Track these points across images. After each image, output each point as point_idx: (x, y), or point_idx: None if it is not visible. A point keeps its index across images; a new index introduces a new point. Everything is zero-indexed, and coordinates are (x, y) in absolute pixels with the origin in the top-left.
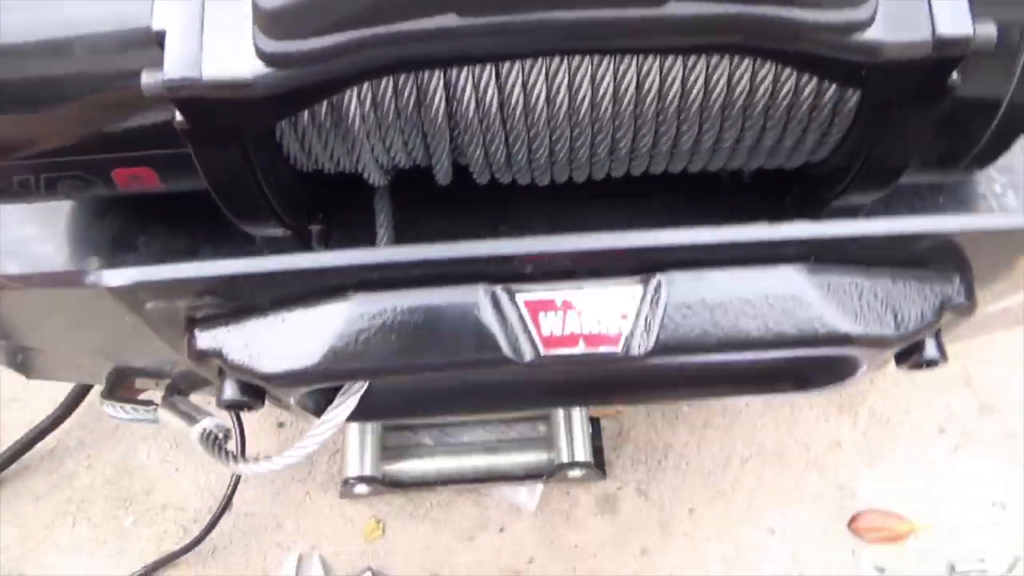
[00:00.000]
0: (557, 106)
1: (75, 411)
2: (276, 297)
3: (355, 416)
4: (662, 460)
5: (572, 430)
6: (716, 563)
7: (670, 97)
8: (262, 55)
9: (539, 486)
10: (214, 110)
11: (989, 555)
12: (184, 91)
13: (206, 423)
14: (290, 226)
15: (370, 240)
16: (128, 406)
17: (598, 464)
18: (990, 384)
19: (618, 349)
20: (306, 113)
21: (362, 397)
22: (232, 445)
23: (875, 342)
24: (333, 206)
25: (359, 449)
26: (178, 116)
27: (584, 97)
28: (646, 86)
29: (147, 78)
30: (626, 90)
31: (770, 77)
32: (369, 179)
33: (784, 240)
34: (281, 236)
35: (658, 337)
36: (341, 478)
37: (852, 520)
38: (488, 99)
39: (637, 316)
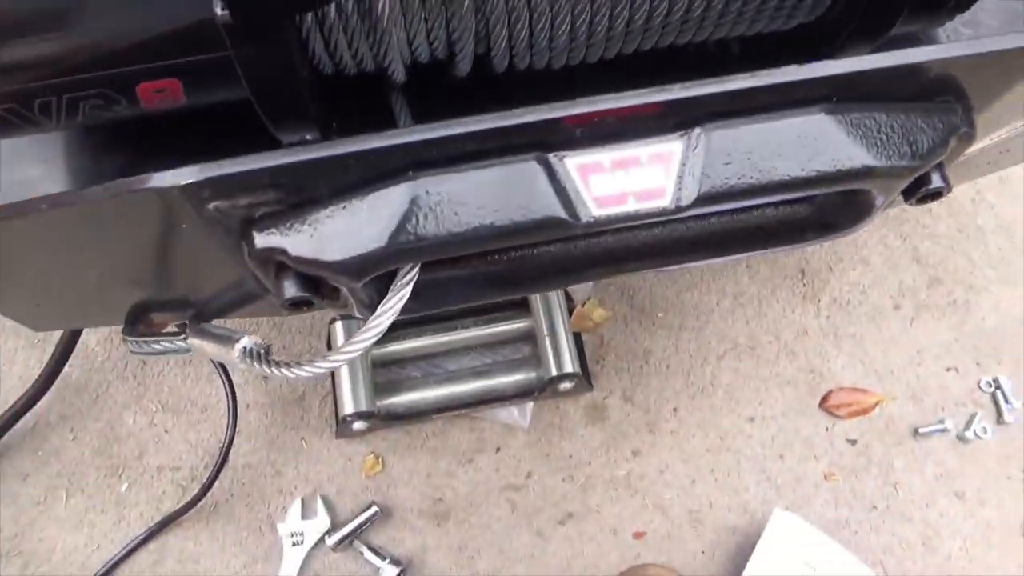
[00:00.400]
0: None
1: (51, 386)
2: (336, 187)
3: (409, 307)
4: (643, 366)
5: (558, 345)
6: (703, 454)
7: None
8: None
9: (530, 404)
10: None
11: (947, 415)
12: None
13: (244, 341)
14: (322, 130)
15: None
16: (159, 340)
17: (584, 374)
18: (936, 258)
19: (666, 202)
20: (333, 8)
21: (414, 290)
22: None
23: (896, 172)
24: (346, 111)
25: (351, 387)
26: (219, 10)
27: None
28: None
29: None
30: None
31: None
32: (392, 75)
33: (815, 79)
34: (312, 141)
35: (701, 186)
36: (336, 419)
37: (823, 400)
38: None
39: (681, 169)
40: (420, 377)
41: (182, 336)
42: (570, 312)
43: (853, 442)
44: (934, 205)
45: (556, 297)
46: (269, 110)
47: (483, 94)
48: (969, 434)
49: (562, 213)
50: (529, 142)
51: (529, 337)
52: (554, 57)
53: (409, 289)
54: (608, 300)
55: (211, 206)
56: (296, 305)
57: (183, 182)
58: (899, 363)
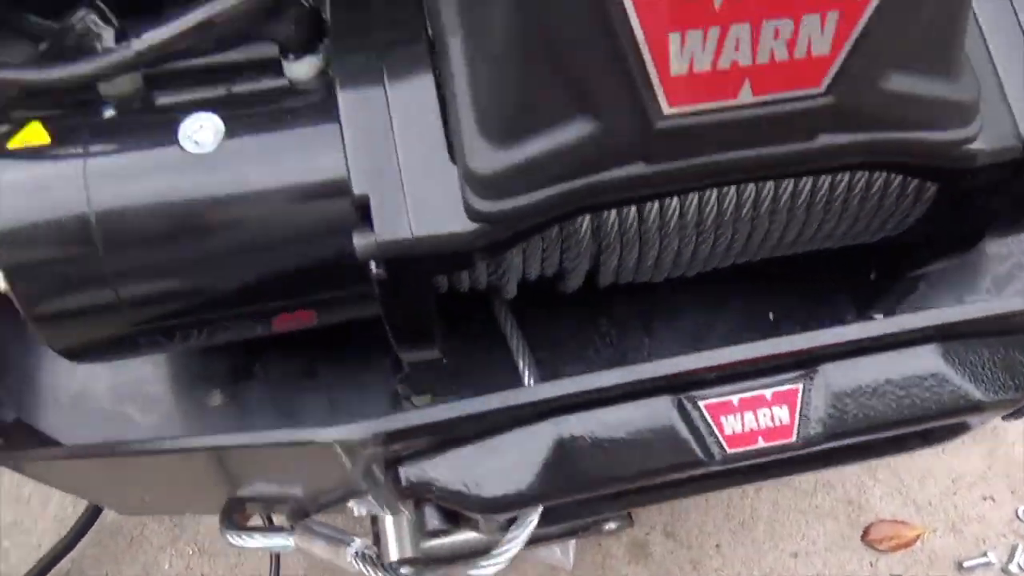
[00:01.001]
0: (689, 218)
1: (88, 531)
2: (481, 428)
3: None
4: (682, 500)
5: None
6: None
7: (791, 202)
8: (475, 214)
9: (573, 543)
10: (418, 263)
11: (989, 547)
12: (395, 249)
13: (357, 544)
14: (442, 348)
15: (499, 344)
16: (260, 534)
17: (627, 512)
18: None
19: (792, 439)
20: None
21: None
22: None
23: (1002, 405)
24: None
25: (396, 532)
26: (376, 269)
27: (712, 210)
28: (776, 196)
29: (359, 240)
30: (752, 201)
31: (868, 179)
32: (505, 291)
33: (925, 326)
34: (432, 359)
35: (826, 424)
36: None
37: (865, 533)
38: (629, 219)
39: (804, 406)
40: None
41: (286, 533)
42: None
43: None
44: None
45: None
46: (399, 338)
47: (579, 300)
48: (1013, 567)
49: (698, 453)
50: (664, 385)
51: None
52: (654, 275)
53: (537, 516)
54: None
55: (367, 452)
56: (434, 533)
57: (353, 436)
58: (936, 493)
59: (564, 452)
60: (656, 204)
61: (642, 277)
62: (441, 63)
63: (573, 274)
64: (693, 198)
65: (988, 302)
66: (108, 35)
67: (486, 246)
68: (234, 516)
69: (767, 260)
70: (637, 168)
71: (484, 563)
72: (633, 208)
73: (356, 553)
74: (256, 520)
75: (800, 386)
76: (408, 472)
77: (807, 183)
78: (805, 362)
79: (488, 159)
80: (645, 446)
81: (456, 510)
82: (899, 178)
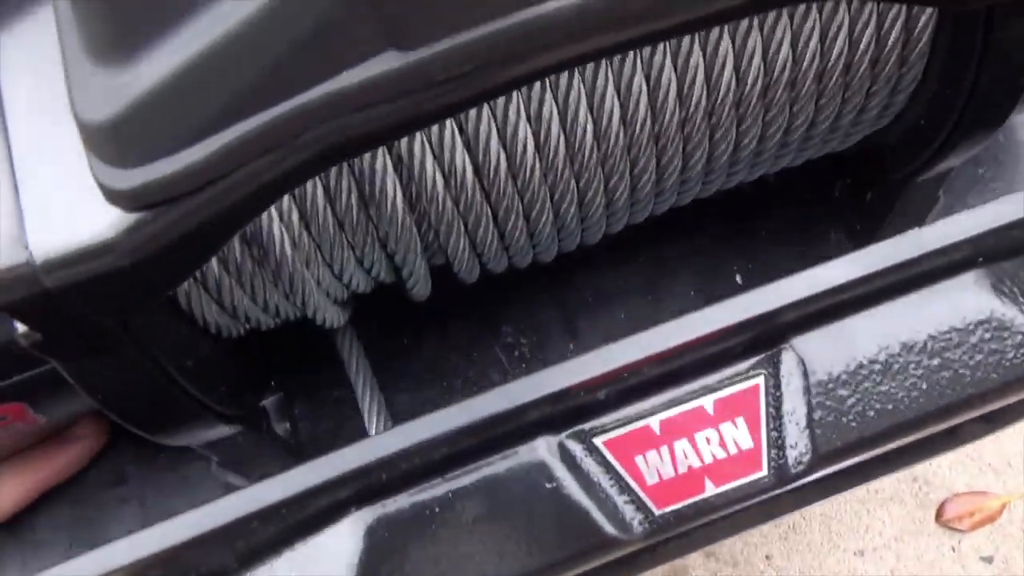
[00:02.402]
0: (551, 147)
1: None
2: (247, 549)
3: None
4: None
5: None
6: None
7: (706, 90)
8: (116, 196)
9: None
10: (71, 304)
11: None
12: (13, 289)
13: None
14: (235, 417)
15: (347, 398)
16: None
17: None
18: None
19: (762, 471)
20: (214, 261)
21: None
22: None
23: None
24: (284, 364)
25: None
26: (19, 327)
27: (585, 124)
28: (691, 77)
29: None
30: (664, 92)
31: (815, 23)
32: (323, 322)
33: (951, 245)
34: (228, 435)
35: (814, 437)
36: None
37: (939, 513)
38: (459, 165)
39: (774, 416)
40: None
41: None
42: None
43: (989, 559)
44: None
45: None
46: (141, 425)
47: (447, 302)
48: None
49: (604, 525)
50: (530, 422)
51: None
52: (541, 252)
53: None
54: None
55: None
56: None
57: None
58: (1014, 451)
59: (377, 559)
60: (455, 132)
61: (522, 257)
62: None
63: (407, 270)
64: (518, 103)
65: None
66: None
67: (162, 250)
68: None
69: (723, 201)
70: (388, 59)
71: None
72: (454, 133)
73: None
74: None
75: (760, 380)
76: None
77: (711, 41)
78: (760, 342)
79: (107, 91)
80: (508, 530)
81: None
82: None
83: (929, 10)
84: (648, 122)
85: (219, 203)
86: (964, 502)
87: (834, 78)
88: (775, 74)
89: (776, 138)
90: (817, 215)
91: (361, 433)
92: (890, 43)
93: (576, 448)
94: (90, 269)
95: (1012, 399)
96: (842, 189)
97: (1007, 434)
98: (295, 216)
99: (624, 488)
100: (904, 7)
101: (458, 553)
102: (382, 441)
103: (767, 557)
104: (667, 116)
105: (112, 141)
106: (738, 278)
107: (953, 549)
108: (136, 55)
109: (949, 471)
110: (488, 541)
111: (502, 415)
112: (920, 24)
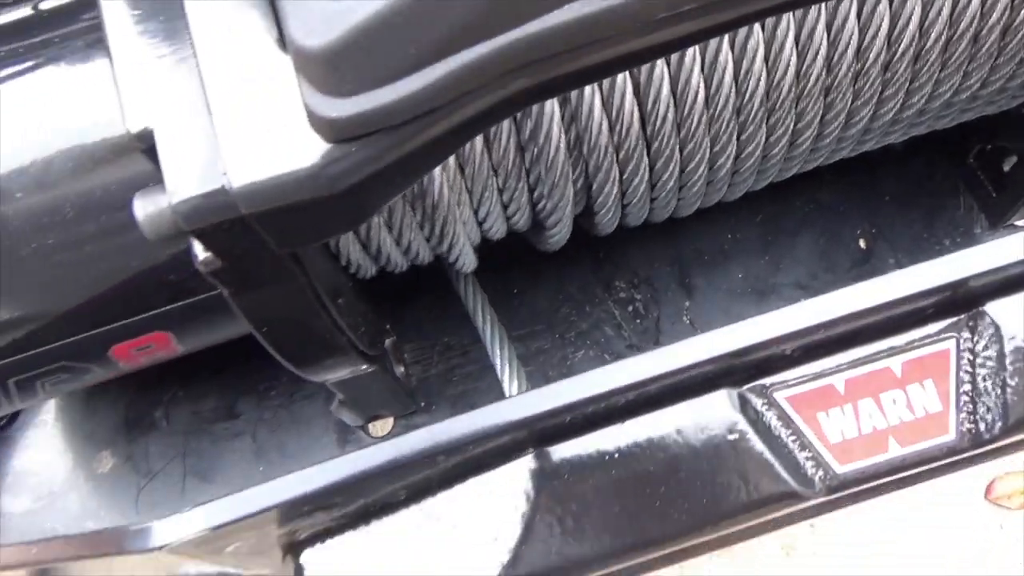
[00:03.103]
0: (724, 93)
1: None
2: (419, 483)
3: None
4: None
5: None
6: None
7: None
8: (326, 125)
9: None
10: (260, 232)
11: None
12: (206, 215)
13: None
14: (370, 356)
15: (456, 344)
16: None
17: None
18: None
19: (950, 435)
20: None
21: None
22: None
23: None
24: (394, 311)
25: None
26: (200, 253)
27: (760, 74)
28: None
29: (142, 209)
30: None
31: None
32: (458, 263)
33: None
34: (359, 375)
35: (1006, 404)
36: None
37: (987, 491)
38: (627, 112)
39: (966, 380)
40: None
41: None
42: None
43: None
44: None
45: None
46: (292, 356)
47: (575, 258)
48: None
49: (786, 478)
50: (715, 374)
51: None
52: (683, 208)
53: None
54: None
55: (230, 549)
56: None
57: (184, 538)
58: None
59: (556, 501)
60: (660, 71)
61: (663, 210)
62: None
63: (554, 217)
64: (722, 51)
65: None
66: None
67: (369, 182)
68: None
69: (844, 164)
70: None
71: None
72: (625, 80)
73: None
74: None
75: (951, 345)
76: (312, 561)
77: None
78: (957, 302)
79: (326, 16)
80: (686, 479)
81: None
82: None
83: None
84: (823, 73)
85: (421, 137)
86: (1014, 481)
87: (990, 41)
88: (950, 31)
89: (944, 97)
90: (945, 180)
91: (471, 378)
92: None
93: (757, 402)
94: (288, 198)
95: None
96: (978, 155)
97: None
98: (452, 159)
99: (805, 444)
100: None
101: (636, 497)
102: (564, 387)
103: (811, 524)
104: (843, 69)
105: (329, 68)
106: (861, 243)
107: (1001, 527)
108: None
109: (999, 454)
110: (665, 489)
111: (687, 367)
112: None
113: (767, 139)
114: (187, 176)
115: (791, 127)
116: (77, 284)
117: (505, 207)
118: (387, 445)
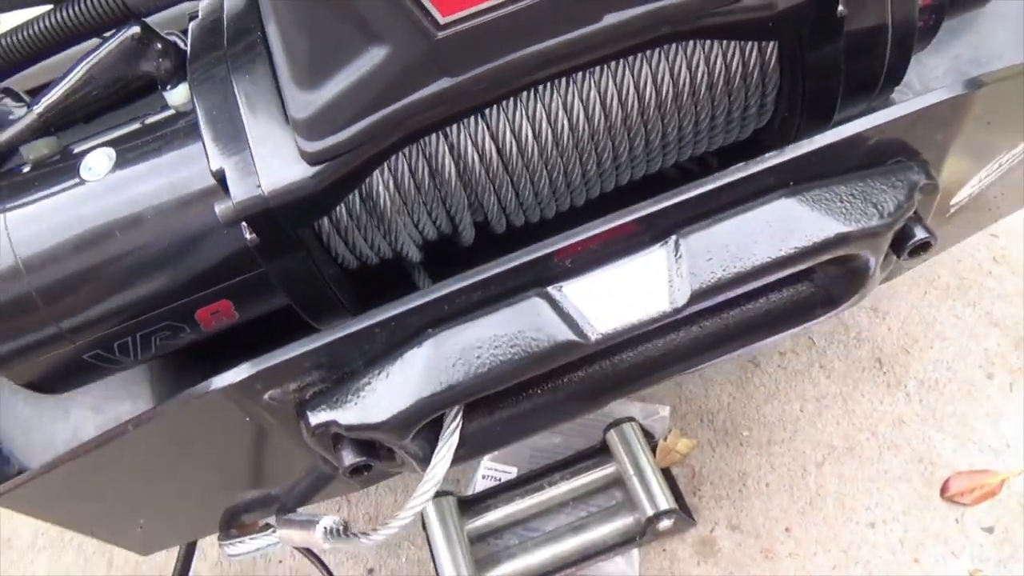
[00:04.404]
0: (544, 139)
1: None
2: (368, 357)
3: (460, 454)
4: (741, 489)
5: (647, 483)
6: (830, 572)
7: (638, 102)
8: (309, 157)
9: (635, 551)
10: (278, 216)
11: None
12: (251, 207)
13: (325, 521)
14: (355, 315)
15: None
16: (250, 537)
17: (683, 509)
18: (1014, 319)
19: (664, 306)
20: (344, 212)
21: (462, 437)
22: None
23: (867, 234)
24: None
25: (453, 566)
26: (248, 235)
27: (562, 125)
28: (608, 99)
29: (220, 208)
30: (593, 108)
31: (703, 57)
32: (407, 255)
33: (765, 169)
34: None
35: (692, 285)
36: None
37: (943, 489)
38: (487, 150)
39: (669, 274)
40: (519, 544)
41: (271, 530)
42: (653, 448)
43: (990, 530)
44: (992, 265)
45: (633, 435)
46: (305, 308)
47: (492, 252)
48: None
49: (572, 336)
50: (528, 281)
51: (619, 481)
52: (544, 209)
53: (456, 437)
54: (689, 428)
55: (267, 397)
56: (358, 471)
57: (237, 379)
58: (1012, 433)
59: (444, 361)
60: (484, 129)
61: (532, 213)
62: (267, 38)
63: (461, 222)
64: (521, 108)
65: (824, 134)
66: (22, 111)
67: (331, 186)
68: (231, 529)
69: (665, 177)
70: (442, 83)
71: (419, 491)
72: (478, 123)
73: (325, 528)
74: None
75: (660, 255)
76: (314, 414)
77: (638, 69)
78: (660, 233)
79: (304, 104)
80: (520, 340)
81: (367, 439)
82: (737, 53)
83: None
84: (602, 122)
85: (357, 159)
86: (966, 479)
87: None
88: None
89: (689, 129)
90: None
91: None
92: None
93: (555, 293)
94: (292, 195)
95: (810, 261)
96: None
97: (1005, 418)
98: (391, 183)
99: (581, 316)
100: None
101: (491, 352)
102: (439, 287)
103: (787, 529)
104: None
105: (306, 127)
106: None
107: (957, 521)
108: (319, 83)
109: (952, 453)
110: (507, 339)
111: (509, 270)
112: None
113: (581, 163)
114: (240, 189)
115: (592, 155)
116: (178, 267)
117: (430, 214)
118: (338, 327)
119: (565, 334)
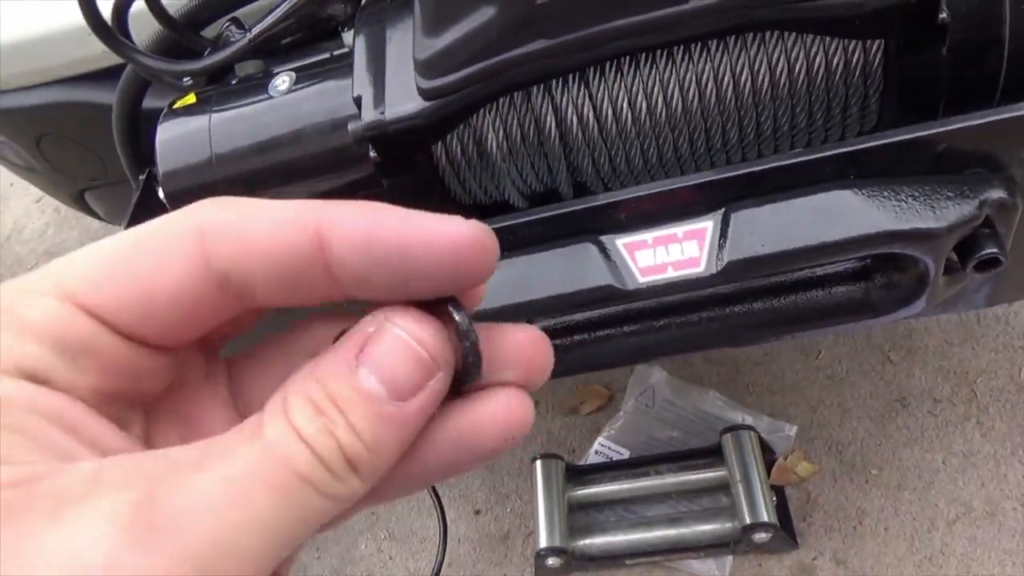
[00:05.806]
0: (639, 111)
1: None
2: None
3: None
4: (857, 526)
5: (752, 494)
6: None
7: (732, 88)
8: (423, 92)
9: (728, 558)
10: (395, 141)
11: None
12: (375, 129)
13: None
14: None
15: None
16: None
17: (785, 529)
18: None
19: (700, 270)
20: (458, 150)
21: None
22: None
23: (918, 235)
24: None
25: (548, 524)
26: (371, 152)
27: (657, 101)
28: (704, 81)
29: (352, 126)
30: (688, 89)
31: (802, 51)
32: (513, 202)
33: (822, 157)
34: None
35: (730, 255)
36: (534, 556)
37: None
38: (585, 114)
39: (712, 242)
40: (614, 521)
41: None
42: (771, 464)
43: None
44: None
45: (750, 445)
46: None
47: None
48: None
49: (612, 281)
50: (584, 228)
51: (727, 487)
52: (639, 179)
53: None
54: (814, 453)
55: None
56: None
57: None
58: None
59: (499, 283)
60: (585, 96)
61: (626, 182)
62: None
63: (558, 178)
64: (622, 80)
65: (877, 134)
66: (240, 37)
67: (439, 120)
68: None
69: None
70: (538, 44)
71: None
72: (580, 89)
73: None
74: None
75: (708, 224)
76: None
77: (735, 56)
78: (713, 203)
79: (425, 47)
80: (569, 278)
81: None
82: (839, 50)
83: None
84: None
85: (465, 99)
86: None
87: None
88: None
89: (784, 122)
90: None
91: None
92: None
93: (607, 242)
94: (408, 124)
95: (856, 254)
96: None
97: None
98: (501, 130)
99: (625, 266)
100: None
101: (538, 282)
102: (510, 217)
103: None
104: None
105: (424, 68)
106: None
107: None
108: (439, 31)
109: None
110: (559, 275)
111: (568, 213)
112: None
113: (673, 143)
114: (369, 113)
115: (685, 131)
116: (319, 179)
117: (533, 166)
118: None
119: (607, 279)
